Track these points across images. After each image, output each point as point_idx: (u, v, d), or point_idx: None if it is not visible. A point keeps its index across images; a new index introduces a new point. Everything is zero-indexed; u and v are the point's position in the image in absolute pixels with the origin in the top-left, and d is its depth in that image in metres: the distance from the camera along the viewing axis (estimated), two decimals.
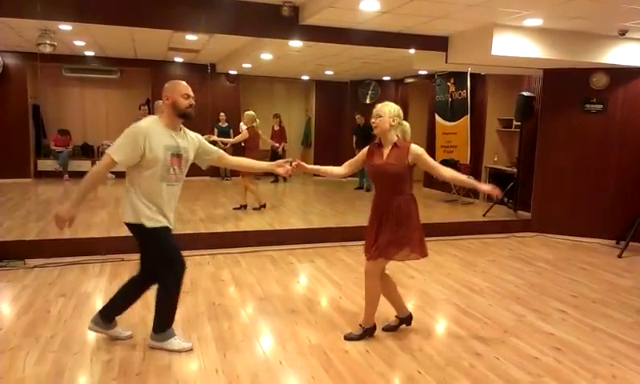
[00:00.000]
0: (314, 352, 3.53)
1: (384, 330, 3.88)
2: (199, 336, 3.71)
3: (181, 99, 3.31)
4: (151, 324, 3.51)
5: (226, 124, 12.00)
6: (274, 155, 10.62)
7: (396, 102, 3.82)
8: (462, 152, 9.89)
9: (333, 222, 7.54)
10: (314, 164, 8.77)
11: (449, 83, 10.28)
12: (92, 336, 3.66)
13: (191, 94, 3.38)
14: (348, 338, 3.73)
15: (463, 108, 9.86)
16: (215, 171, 11.81)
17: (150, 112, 10.52)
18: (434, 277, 5.45)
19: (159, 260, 3.43)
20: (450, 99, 10.29)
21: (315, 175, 7.51)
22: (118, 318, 3.61)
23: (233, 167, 5.15)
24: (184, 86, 3.37)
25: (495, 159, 9.53)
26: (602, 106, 7.25)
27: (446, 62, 7.20)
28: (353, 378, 3.19)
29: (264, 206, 8.17)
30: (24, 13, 5.61)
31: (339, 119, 13.47)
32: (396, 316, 3.96)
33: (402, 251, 3.67)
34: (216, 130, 11.31)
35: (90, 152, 12.06)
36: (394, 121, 3.60)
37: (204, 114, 11.23)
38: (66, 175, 11.15)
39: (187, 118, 3.37)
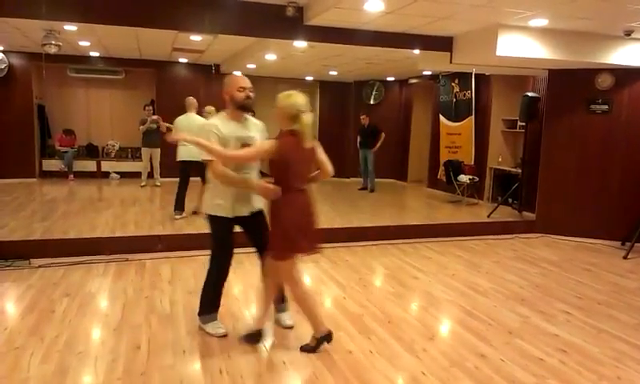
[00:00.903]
0: (318, 352, 3.53)
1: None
2: (203, 336, 3.71)
3: (237, 93, 3.48)
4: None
5: None
6: None
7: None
8: (466, 153, 9.87)
9: (336, 222, 7.53)
10: None
11: (453, 84, 10.26)
12: (96, 336, 3.68)
13: (247, 85, 3.50)
14: (303, 349, 3.53)
15: (467, 108, 9.84)
16: None
17: (155, 112, 10.55)
18: (438, 278, 5.44)
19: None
20: (454, 100, 10.27)
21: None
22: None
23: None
24: (239, 79, 3.54)
25: (499, 160, 9.51)
26: (607, 106, 7.23)
27: (451, 63, 7.19)
28: (356, 379, 3.19)
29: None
30: (29, 13, 5.63)
31: (343, 120, 13.46)
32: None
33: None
34: None
35: (94, 152, 12.08)
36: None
37: None
38: (71, 175, 11.18)
39: (246, 110, 3.55)
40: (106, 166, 11.85)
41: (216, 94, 12.01)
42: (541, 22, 5.90)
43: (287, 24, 6.13)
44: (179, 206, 7.24)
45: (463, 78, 9.83)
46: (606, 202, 7.34)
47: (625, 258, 6.52)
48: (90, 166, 11.74)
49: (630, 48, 6.60)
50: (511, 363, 3.47)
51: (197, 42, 8.83)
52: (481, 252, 6.66)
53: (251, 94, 3.53)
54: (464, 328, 4.08)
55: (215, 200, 3.58)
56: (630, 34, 6.19)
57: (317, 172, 3.50)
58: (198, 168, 6.46)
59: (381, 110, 12.53)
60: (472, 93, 9.68)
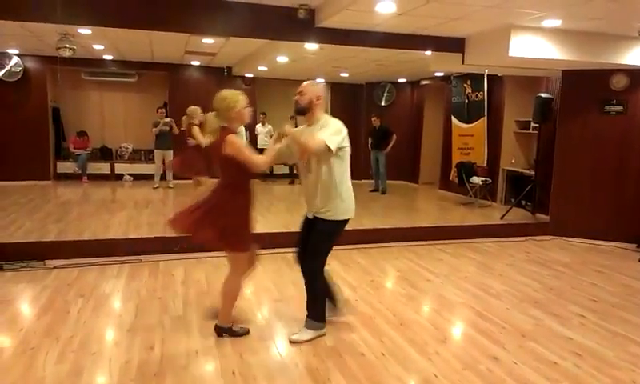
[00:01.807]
0: (330, 354, 3.53)
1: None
2: (216, 337, 3.73)
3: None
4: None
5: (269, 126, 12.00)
6: None
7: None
8: (478, 154, 9.81)
9: (348, 224, 7.50)
10: None
11: (465, 85, 10.21)
12: (110, 336, 3.71)
13: (299, 90, 3.63)
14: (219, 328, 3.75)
15: (480, 110, 9.78)
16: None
17: (167, 115, 10.64)
18: (451, 280, 5.41)
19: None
20: (466, 101, 10.22)
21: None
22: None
23: None
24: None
25: (512, 161, 9.44)
26: (621, 107, 7.15)
27: (463, 64, 7.16)
28: (368, 381, 3.19)
29: None
30: (44, 17, 5.70)
31: (354, 121, 13.40)
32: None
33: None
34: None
35: (108, 154, 12.20)
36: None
37: None
38: (85, 177, 11.29)
39: (299, 114, 3.72)
40: (119, 168, 11.94)
41: None
42: (554, 22, 5.85)
43: (299, 26, 6.15)
44: None
45: (475, 79, 9.78)
46: (620, 204, 7.25)
47: (639, 260, 6.45)
48: (103, 168, 11.85)
49: None
50: (524, 366, 3.45)
51: (209, 45, 8.88)
52: (494, 254, 6.62)
53: (297, 97, 3.62)
54: (477, 330, 4.06)
55: (351, 204, 3.71)
56: None
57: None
58: None
59: (392, 112, 12.49)
60: (484, 94, 9.62)
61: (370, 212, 8.61)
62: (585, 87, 7.36)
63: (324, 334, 3.79)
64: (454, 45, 6.98)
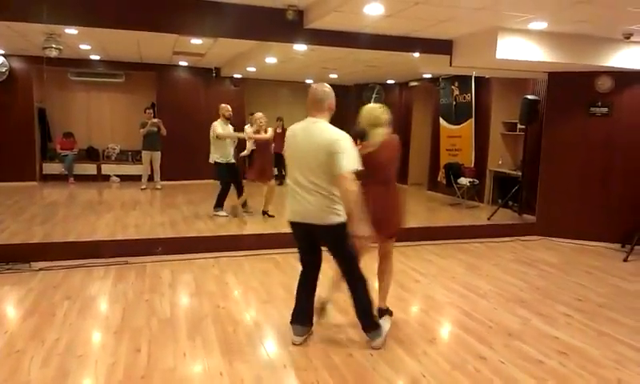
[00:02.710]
0: (319, 355, 3.53)
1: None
2: (204, 339, 3.71)
3: None
4: None
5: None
6: (278, 157, 10.60)
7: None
8: (466, 155, 9.87)
9: None
10: None
11: (453, 87, 10.27)
12: (97, 339, 3.68)
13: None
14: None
15: (468, 111, 9.85)
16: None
17: (155, 115, 10.58)
18: (439, 280, 5.44)
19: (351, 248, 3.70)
20: (454, 103, 10.28)
21: None
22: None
23: None
24: None
25: (500, 162, 9.51)
26: (607, 109, 7.23)
27: (451, 66, 7.20)
28: (357, 382, 3.19)
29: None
30: (30, 17, 5.64)
31: (343, 123, 13.41)
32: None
33: None
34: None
35: (95, 156, 12.10)
36: None
37: (209, 118, 11.22)
38: (71, 178, 11.19)
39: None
40: (106, 169, 11.87)
41: (216, 98, 12.06)
42: (540, 25, 5.91)
43: (287, 27, 6.14)
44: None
45: (463, 80, 9.85)
46: (606, 205, 7.34)
47: (625, 260, 6.51)
48: (90, 169, 11.76)
49: (629, 51, 6.61)
50: (511, 365, 3.47)
51: (197, 46, 8.85)
52: (481, 254, 6.66)
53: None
54: (464, 330, 4.08)
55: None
56: (629, 37, 6.20)
57: None
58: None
59: None
60: (472, 96, 9.69)
61: None
62: (571, 89, 7.44)
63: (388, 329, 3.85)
64: (442, 47, 7.02)
